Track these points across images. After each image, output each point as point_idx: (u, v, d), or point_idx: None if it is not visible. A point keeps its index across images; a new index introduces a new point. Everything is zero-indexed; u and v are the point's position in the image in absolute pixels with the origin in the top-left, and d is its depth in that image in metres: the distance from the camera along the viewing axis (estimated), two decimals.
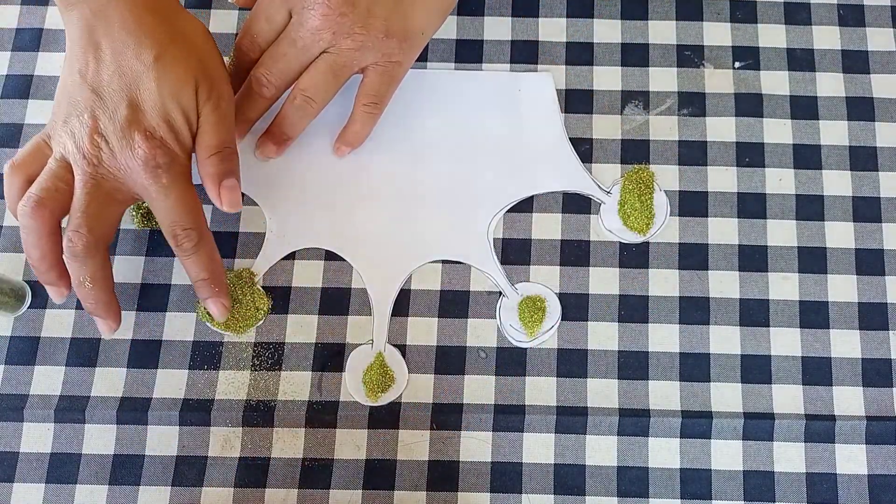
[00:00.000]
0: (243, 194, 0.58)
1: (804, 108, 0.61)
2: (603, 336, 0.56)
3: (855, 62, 0.62)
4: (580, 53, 0.62)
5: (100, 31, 0.51)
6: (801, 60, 0.62)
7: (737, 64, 0.62)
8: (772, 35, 0.62)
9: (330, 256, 0.58)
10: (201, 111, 0.52)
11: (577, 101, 0.61)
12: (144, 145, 0.50)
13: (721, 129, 0.60)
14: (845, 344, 0.56)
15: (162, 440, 0.54)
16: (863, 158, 0.60)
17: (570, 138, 0.60)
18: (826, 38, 0.62)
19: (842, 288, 0.57)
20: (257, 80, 0.56)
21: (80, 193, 0.51)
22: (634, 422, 0.54)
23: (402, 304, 0.57)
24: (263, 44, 0.56)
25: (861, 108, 0.61)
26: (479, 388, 0.55)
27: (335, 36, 0.54)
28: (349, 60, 0.55)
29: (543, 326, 0.56)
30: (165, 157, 0.51)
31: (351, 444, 0.54)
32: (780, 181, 0.59)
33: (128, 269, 0.58)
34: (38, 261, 0.51)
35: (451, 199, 0.59)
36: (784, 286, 0.57)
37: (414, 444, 0.54)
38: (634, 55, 0.62)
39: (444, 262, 0.58)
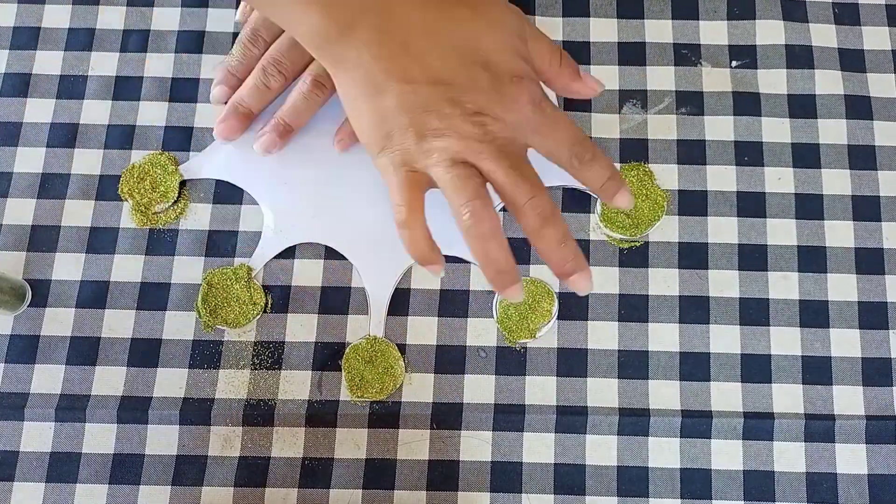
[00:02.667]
0: (242, 191, 0.59)
1: (802, 106, 0.61)
2: (603, 335, 0.56)
3: (851, 60, 0.62)
4: (577, 52, 0.62)
5: (396, 31, 0.47)
6: (798, 58, 0.62)
7: (734, 62, 0.62)
8: (769, 33, 0.62)
9: (330, 255, 0.58)
10: (527, 31, 0.50)
11: (575, 100, 0.61)
12: (517, 89, 0.47)
13: (719, 127, 0.60)
14: (845, 343, 0.56)
15: (162, 439, 0.54)
16: (862, 157, 0.60)
17: None
18: (822, 35, 0.62)
19: (842, 287, 0.57)
20: (263, 70, 0.57)
21: (501, 177, 0.47)
22: (634, 421, 0.54)
23: (402, 304, 0.57)
24: (270, 38, 0.57)
25: (859, 107, 0.61)
26: (479, 388, 0.55)
27: None
28: None
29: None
30: (539, 88, 0.48)
31: (351, 444, 0.54)
32: (779, 180, 0.59)
33: (128, 268, 0.57)
34: (508, 261, 0.48)
35: None
36: (784, 286, 0.57)
37: (414, 444, 0.54)
38: (631, 54, 0.62)
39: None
